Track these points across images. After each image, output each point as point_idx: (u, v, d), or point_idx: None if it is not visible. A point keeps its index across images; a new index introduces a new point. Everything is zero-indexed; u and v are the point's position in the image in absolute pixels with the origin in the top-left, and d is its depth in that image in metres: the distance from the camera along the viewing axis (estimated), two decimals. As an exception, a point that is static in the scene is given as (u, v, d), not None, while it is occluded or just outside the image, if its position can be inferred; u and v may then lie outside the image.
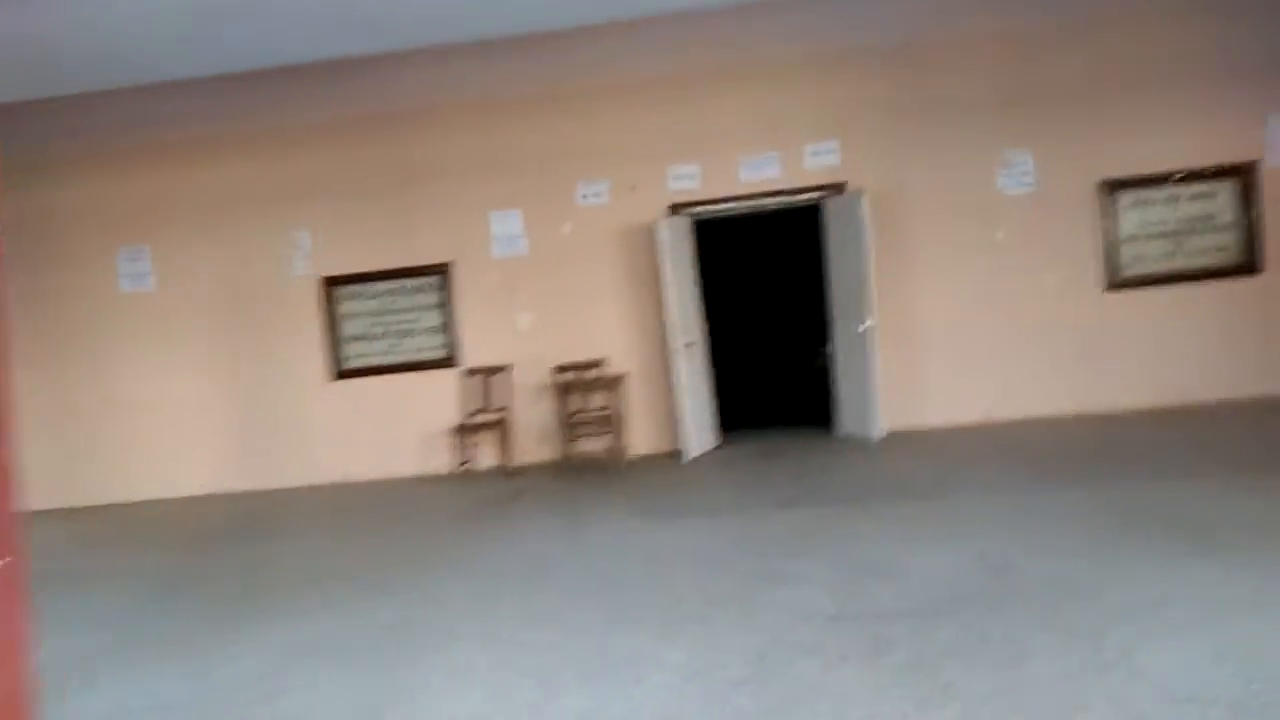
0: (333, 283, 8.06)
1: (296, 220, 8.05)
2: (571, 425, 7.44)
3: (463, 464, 7.81)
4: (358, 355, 8.11)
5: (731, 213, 7.70)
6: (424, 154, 7.93)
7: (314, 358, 8.09)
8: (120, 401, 8.24)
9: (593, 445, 7.63)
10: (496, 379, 7.91)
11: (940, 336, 7.42)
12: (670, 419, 7.64)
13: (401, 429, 8.03)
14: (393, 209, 7.97)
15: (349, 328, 8.11)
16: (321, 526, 6.50)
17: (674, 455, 7.51)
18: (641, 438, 7.79)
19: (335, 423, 8.09)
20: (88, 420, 8.27)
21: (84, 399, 8.27)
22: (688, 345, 7.38)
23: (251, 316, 8.13)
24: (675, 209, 7.65)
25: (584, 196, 7.80)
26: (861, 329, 7.06)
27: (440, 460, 7.93)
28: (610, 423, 7.36)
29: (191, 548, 6.23)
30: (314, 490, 7.86)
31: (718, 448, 7.60)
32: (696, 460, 7.27)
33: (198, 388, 8.19)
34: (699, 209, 7.65)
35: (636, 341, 7.77)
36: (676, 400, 7.33)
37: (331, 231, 8.03)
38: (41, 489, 8.22)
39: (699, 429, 7.44)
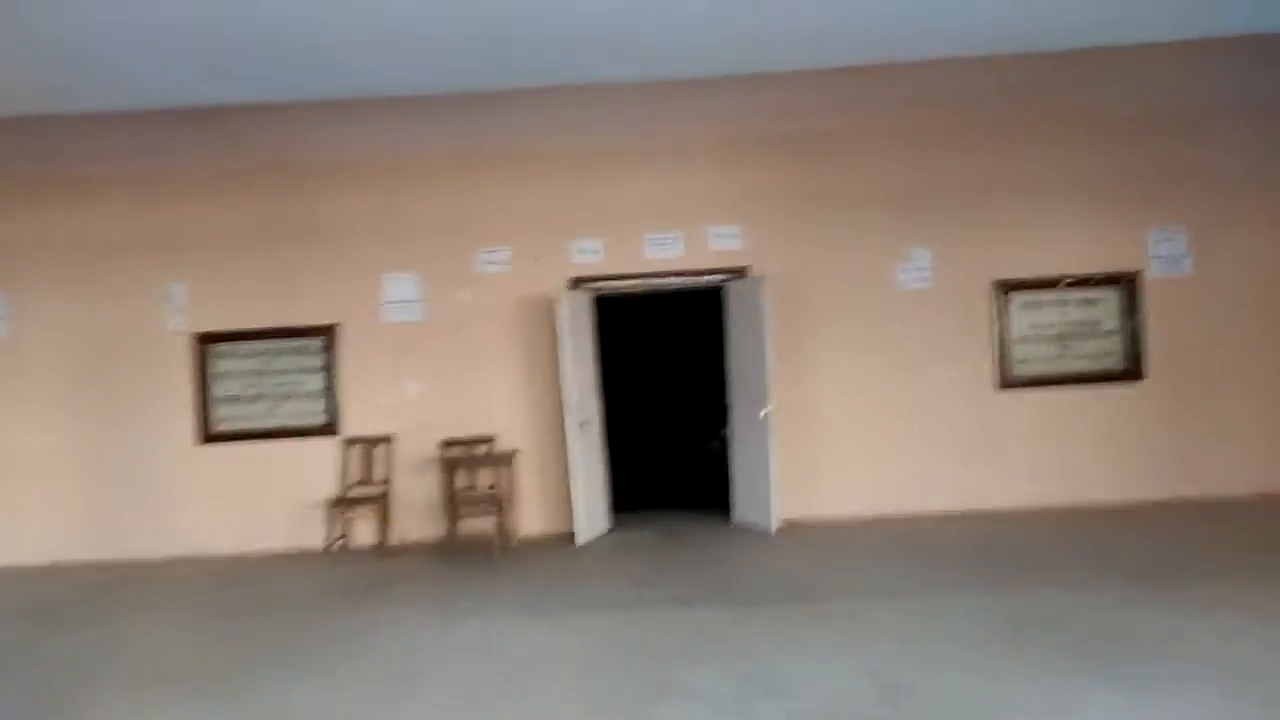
0: (207, 339, 7.47)
1: (171, 271, 7.46)
2: (457, 503, 6.98)
3: (337, 539, 7.23)
4: (230, 418, 7.50)
5: (634, 290, 7.49)
6: (315, 210, 7.50)
7: (182, 418, 7.44)
8: (-46, 458, 7.40)
9: (479, 525, 7.18)
10: (379, 450, 7.41)
11: (836, 427, 7.31)
12: (563, 499, 7.28)
13: (273, 500, 7.42)
14: (277, 265, 7.48)
15: (222, 388, 7.51)
16: (166, 609, 5.85)
17: (565, 538, 7.13)
18: (532, 518, 7.39)
19: (201, 490, 7.43)
20: (-87, 477, 7.39)
21: (-89, 453, 7.40)
22: (583, 424, 7.06)
23: (116, 371, 7.45)
24: (577, 282, 7.40)
25: (484, 264, 7.49)
26: (761, 416, 6.88)
27: (314, 535, 7.33)
28: (498, 502, 6.93)
29: (10, 631, 5.48)
30: (171, 564, 7.15)
31: (610, 531, 7.25)
32: (588, 545, 6.89)
33: (48, 444, 7.42)
34: (601, 284, 7.41)
35: (530, 417, 7.42)
36: (571, 481, 6.98)
37: (209, 285, 7.47)
38: None
39: (592, 512, 7.08)
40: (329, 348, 7.47)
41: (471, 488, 7.08)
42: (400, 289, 7.51)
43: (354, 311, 7.47)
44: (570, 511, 7.14)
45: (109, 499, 7.42)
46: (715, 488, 8.09)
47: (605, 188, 7.48)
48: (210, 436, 7.48)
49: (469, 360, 7.46)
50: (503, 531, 6.95)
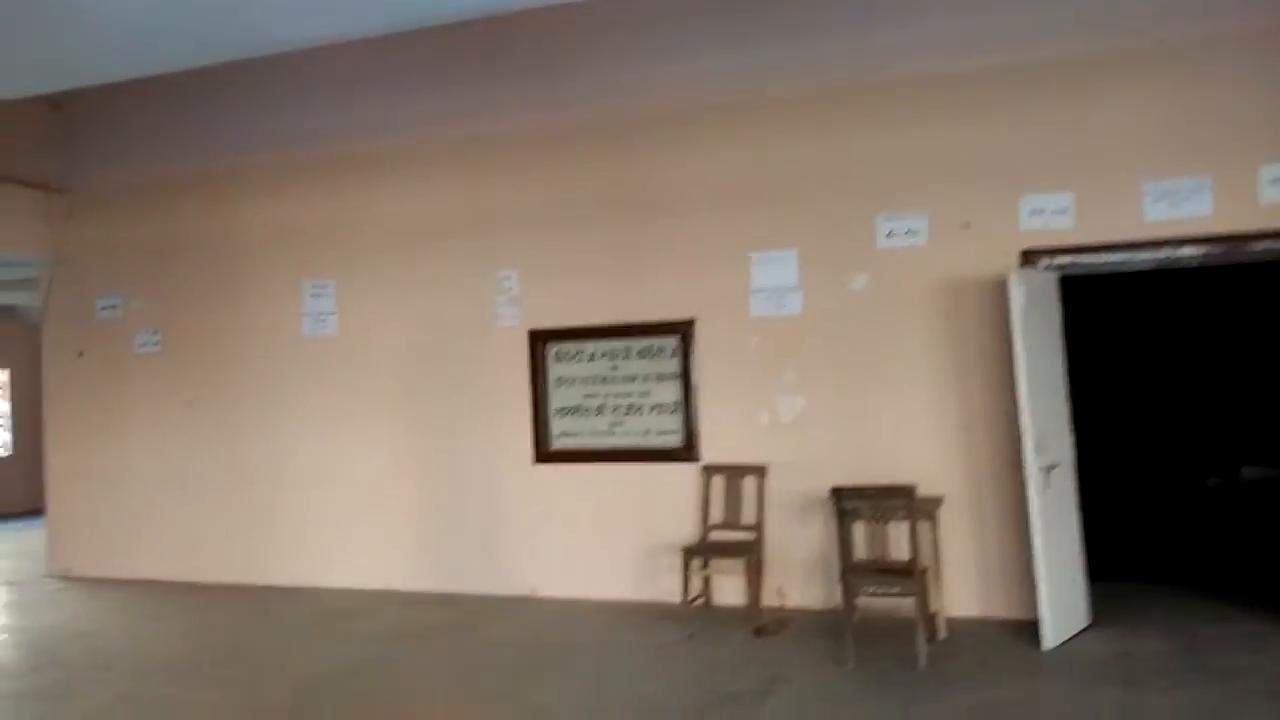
0: (541, 338, 5.86)
1: (501, 256, 5.93)
2: (855, 569, 4.72)
3: (696, 598, 5.33)
4: (567, 433, 5.87)
5: (1129, 267, 4.77)
6: (664, 173, 5.61)
7: (515, 433, 5.93)
8: (288, 470, 6.47)
9: (886, 600, 4.86)
10: (747, 483, 5.38)
11: None
12: (1011, 569, 4.85)
13: (617, 536, 5.70)
14: (619, 244, 5.70)
15: (559, 397, 5.87)
16: (469, 700, 4.20)
17: (1018, 630, 4.67)
18: (964, 593, 4.97)
19: (535, 518, 5.88)
20: (250, 489, 6.57)
21: (250, 462, 6.58)
22: (1049, 469, 4.52)
23: (446, 374, 6.12)
24: (1030, 257, 4.84)
25: (889, 235, 5.16)
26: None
27: (665, 586, 5.45)
28: (915, 573, 4.57)
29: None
30: (496, 606, 5.68)
31: (1090, 627, 4.66)
32: (1061, 653, 4.37)
33: (380, 458, 6.27)
34: (1071, 259, 4.79)
35: (958, 451, 5.02)
36: (1032, 552, 4.48)
37: (542, 273, 5.85)
38: (201, 560, 6.66)
39: (1065, 597, 4.54)
40: (685, 349, 5.54)
41: (880, 554, 4.76)
42: (773, 272, 5.39)
43: (715, 302, 5.48)
44: (1023, 588, 4.68)
45: (442, 522, 6.12)
46: (1217, 544, 5.26)
47: (1073, 116, 4.83)
48: (545, 455, 5.89)
49: (867, 368, 5.20)
50: (926, 617, 4.60)
